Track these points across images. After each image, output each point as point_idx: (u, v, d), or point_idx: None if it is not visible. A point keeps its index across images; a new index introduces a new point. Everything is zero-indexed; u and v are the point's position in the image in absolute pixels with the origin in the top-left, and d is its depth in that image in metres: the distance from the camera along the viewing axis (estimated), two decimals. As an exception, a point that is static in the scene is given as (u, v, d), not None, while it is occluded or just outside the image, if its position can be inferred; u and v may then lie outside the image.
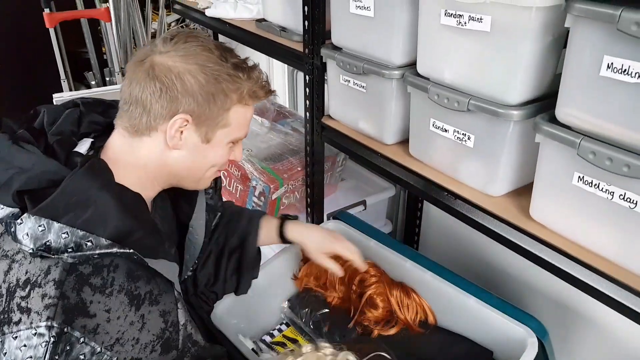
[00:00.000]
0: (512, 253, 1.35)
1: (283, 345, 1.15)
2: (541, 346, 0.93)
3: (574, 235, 0.81)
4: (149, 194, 0.83)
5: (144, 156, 0.80)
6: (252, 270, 1.07)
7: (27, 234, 0.68)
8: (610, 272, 0.75)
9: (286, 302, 1.24)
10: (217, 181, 0.99)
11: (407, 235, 1.73)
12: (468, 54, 0.87)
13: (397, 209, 1.78)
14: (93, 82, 2.25)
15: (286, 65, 2.18)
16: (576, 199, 0.77)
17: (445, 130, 0.96)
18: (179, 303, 0.80)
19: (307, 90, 1.30)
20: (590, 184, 0.75)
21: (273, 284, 1.10)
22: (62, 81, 1.96)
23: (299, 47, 1.30)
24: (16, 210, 0.70)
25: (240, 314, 1.10)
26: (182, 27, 3.00)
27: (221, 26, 1.66)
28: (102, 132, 0.84)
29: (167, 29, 2.44)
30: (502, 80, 0.84)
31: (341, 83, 1.19)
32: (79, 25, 2.26)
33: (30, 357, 0.66)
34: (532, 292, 1.32)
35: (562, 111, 0.76)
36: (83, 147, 0.81)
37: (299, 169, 1.50)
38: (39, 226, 0.67)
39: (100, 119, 0.85)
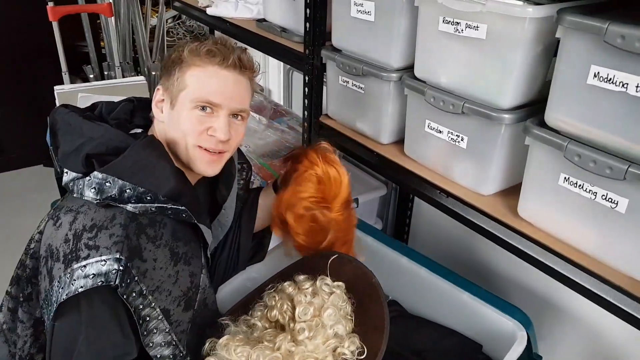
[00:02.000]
0: (496, 248, 1.41)
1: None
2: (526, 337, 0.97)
3: (558, 233, 0.86)
4: (187, 173, 0.90)
5: (158, 136, 0.90)
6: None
7: (95, 188, 0.78)
8: (591, 267, 0.80)
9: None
10: (248, 173, 1.09)
11: (397, 233, 1.78)
12: (464, 59, 0.92)
13: (387, 207, 1.83)
14: (91, 76, 2.26)
15: (282, 65, 2.21)
16: (562, 199, 0.82)
17: (440, 132, 1.01)
18: (204, 269, 0.90)
19: (306, 89, 1.34)
20: (575, 185, 0.80)
21: (267, 270, 1.13)
22: (63, 74, 1.98)
23: (299, 48, 1.34)
24: (80, 175, 0.81)
25: (234, 298, 1.13)
26: (178, 24, 3.03)
27: (222, 25, 1.69)
28: (149, 127, 0.95)
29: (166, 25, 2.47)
30: (495, 85, 0.89)
31: (340, 84, 1.23)
32: (76, 19, 2.27)
33: (102, 282, 0.74)
34: (515, 286, 1.38)
35: (551, 116, 0.81)
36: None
37: (296, 166, 1.53)
38: (106, 182, 0.78)
39: (149, 115, 0.95)
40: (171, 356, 0.83)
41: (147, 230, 0.80)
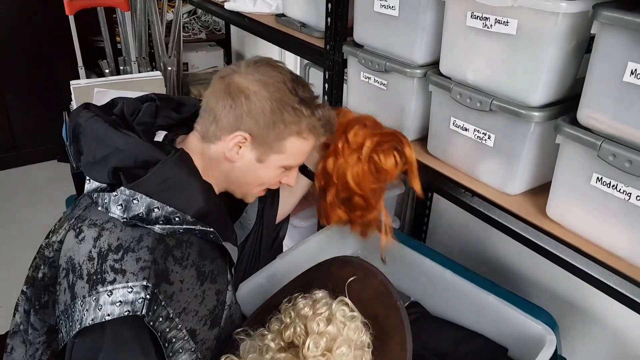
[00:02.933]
0: (514, 248, 1.39)
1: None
2: (552, 340, 0.95)
3: (589, 234, 0.84)
4: (214, 184, 0.89)
5: (209, 160, 0.88)
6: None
7: (121, 205, 0.76)
8: (624, 270, 0.78)
9: (302, 292, 1.26)
10: None
11: (414, 232, 1.76)
12: (492, 55, 0.90)
13: (405, 206, 1.81)
14: (107, 71, 2.26)
15: (299, 61, 2.20)
16: (593, 199, 0.80)
17: (466, 129, 0.99)
18: (230, 285, 0.89)
19: (326, 85, 1.32)
20: (609, 185, 0.78)
21: (293, 272, 1.13)
22: (79, 68, 1.98)
23: (320, 43, 1.32)
24: (104, 186, 0.79)
25: (260, 300, 1.12)
26: (194, 19, 3.02)
27: (240, 20, 1.68)
28: (174, 126, 0.93)
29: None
30: (525, 83, 0.87)
31: (361, 80, 1.22)
32: (92, 14, 2.28)
33: (128, 311, 0.73)
34: (535, 286, 1.36)
35: (584, 114, 0.79)
36: (159, 137, 0.90)
37: (314, 163, 1.52)
38: (134, 199, 0.76)
39: (173, 115, 0.94)
40: None
41: (174, 252, 0.78)
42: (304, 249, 1.21)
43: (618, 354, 1.21)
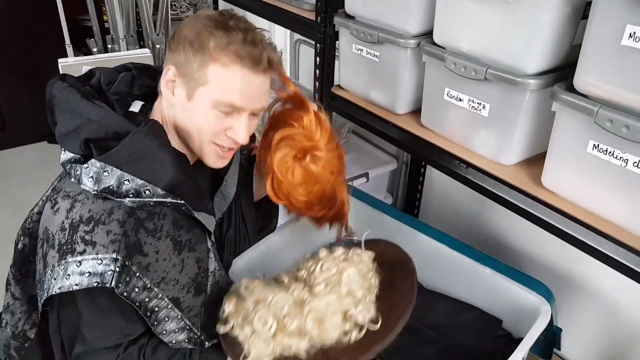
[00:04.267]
0: (509, 220, 1.38)
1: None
2: (547, 311, 0.95)
3: (585, 202, 0.83)
4: (189, 156, 0.87)
5: (164, 117, 0.86)
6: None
7: (92, 177, 0.76)
8: (619, 237, 0.77)
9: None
10: (251, 143, 0.96)
11: (407, 207, 1.76)
12: (487, 23, 0.88)
13: (397, 182, 1.80)
14: (95, 49, 2.21)
15: (288, 36, 2.16)
16: (589, 167, 0.79)
17: (460, 100, 0.98)
18: (211, 252, 0.88)
19: (318, 59, 1.30)
20: (605, 152, 0.77)
21: (289, 246, 1.12)
22: (67, 46, 1.94)
23: (310, 16, 1.29)
24: (77, 156, 0.78)
25: (256, 274, 1.12)
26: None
27: (228, -7, 1.64)
28: (151, 95, 0.90)
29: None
30: (520, 50, 0.85)
31: (353, 52, 1.19)
32: (78, -9, 2.23)
33: (97, 283, 0.74)
34: (530, 258, 1.36)
35: (581, 80, 0.77)
36: (135, 107, 0.87)
37: (306, 139, 1.50)
38: (104, 171, 0.75)
39: (150, 83, 0.91)
40: (186, 340, 0.85)
41: (145, 224, 0.77)
42: (299, 224, 1.20)
43: (613, 322, 1.22)
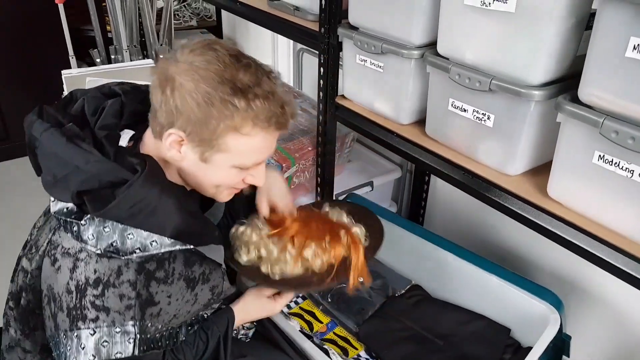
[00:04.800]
0: (514, 229, 1.38)
1: (300, 316, 1.18)
2: (555, 320, 0.95)
3: (591, 213, 0.83)
4: (186, 184, 0.84)
5: (164, 157, 0.79)
6: None
7: (93, 235, 0.71)
8: (627, 248, 0.77)
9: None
10: None
11: (412, 216, 1.76)
12: (491, 34, 0.88)
13: (402, 190, 1.81)
14: (98, 60, 2.22)
15: (291, 46, 2.17)
16: (595, 178, 0.80)
17: (464, 110, 0.98)
18: (225, 276, 0.87)
19: (322, 69, 1.30)
20: (611, 163, 0.77)
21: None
22: (70, 57, 1.95)
23: (314, 27, 1.30)
24: (70, 205, 0.73)
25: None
26: (184, 6, 2.98)
27: (231, 5, 1.65)
28: (142, 121, 0.83)
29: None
30: (524, 61, 0.85)
31: (357, 63, 1.20)
32: (81, 2, 2.24)
33: (120, 353, 0.71)
34: (536, 266, 1.36)
35: (585, 91, 0.78)
36: (124, 139, 0.81)
37: (310, 148, 1.51)
38: (105, 227, 0.71)
39: (140, 108, 0.84)
40: (191, 324, 0.87)
41: (156, 275, 0.74)
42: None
43: (621, 330, 1.21)
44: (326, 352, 1.00)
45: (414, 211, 1.74)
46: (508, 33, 0.86)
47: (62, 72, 1.67)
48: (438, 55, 1.00)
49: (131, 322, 0.71)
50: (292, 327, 1.04)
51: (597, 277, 1.22)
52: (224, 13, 2.87)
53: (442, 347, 1.07)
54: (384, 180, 1.69)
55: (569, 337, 1.04)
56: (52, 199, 0.75)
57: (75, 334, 0.72)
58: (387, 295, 1.25)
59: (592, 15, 0.79)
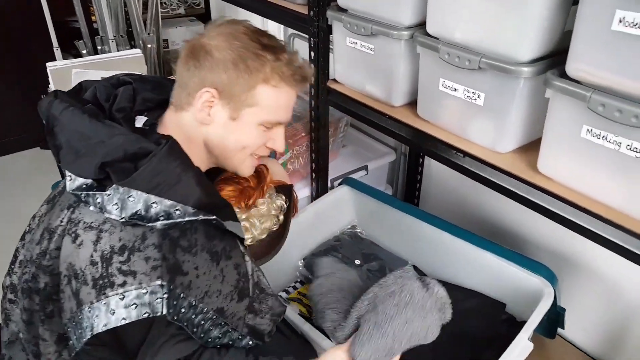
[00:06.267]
0: (508, 207, 1.40)
1: (298, 301, 1.20)
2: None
3: (580, 187, 0.85)
4: (204, 167, 0.88)
5: (187, 132, 0.84)
6: None
7: (117, 204, 0.72)
8: (615, 219, 0.79)
9: (301, 261, 1.28)
10: None
11: (407, 198, 1.77)
12: (479, 12, 0.89)
13: (397, 173, 1.82)
14: (84, 51, 2.19)
15: (282, 31, 2.16)
16: (584, 151, 0.81)
17: (455, 90, 0.99)
18: (246, 256, 0.87)
19: (312, 53, 1.30)
20: (599, 136, 0.78)
21: (290, 244, 1.13)
22: (54, 49, 1.92)
23: (303, 10, 1.30)
24: (88, 181, 0.74)
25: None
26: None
27: (219, -9, 1.64)
28: (153, 108, 0.89)
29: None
30: (513, 38, 0.86)
31: (348, 46, 1.20)
32: (65, -6, 2.21)
33: (148, 313, 0.71)
34: (530, 242, 1.38)
35: (573, 66, 0.79)
36: (139, 123, 0.86)
37: (303, 134, 1.52)
38: (129, 197, 0.72)
39: (151, 96, 0.89)
40: (230, 342, 0.84)
41: (180, 243, 0.75)
42: (301, 217, 1.21)
43: (614, 302, 1.24)
44: (326, 334, 1.01)
45: (409, 193, 1.76)
46: (496, 10, 0.86)
47: (47, 64, 1.65)
48: (428, 35, 1.00)
49: (158, 282, 0.71)
50: (292, 311, 1.05)
51: (590, 251, 1.24)
52: (212, 1, 2.84)
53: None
54: (378, 163, 1.70)
55: (564, 310, 1.06)
56: (70, 177, 0.76)
57: (103, 302, 0.72)
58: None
59: (579, -10, 0.80)
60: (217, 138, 0.85)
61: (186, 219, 0.74)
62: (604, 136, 0.78)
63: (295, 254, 1.28)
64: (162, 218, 0.73)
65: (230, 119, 0.83)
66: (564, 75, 0.81)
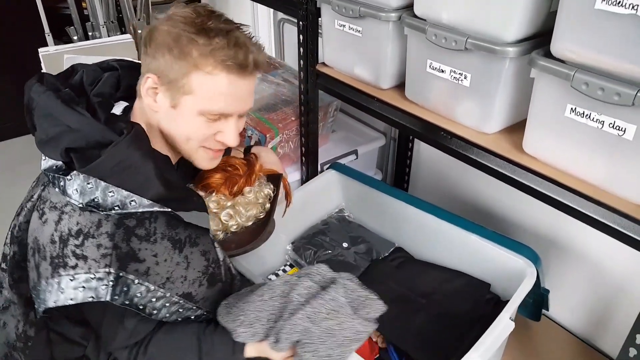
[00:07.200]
0: (496, 189, 1.41)
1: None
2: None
3: (565, 166, 0.85)
4: (172, 155, 0.88)
5: (147, 119, 0.85)
6: None
7: (77, 190, 0.74)
8: (599, 197, 0.80)
9: (290, 245, 1.28)
10: None
11: (397, 182, 1.78)
12: (466, -8, 0.89)
13: (386, 158, 1.82)
14: (75, 37, 2.18)
15: (272, 16, 2.15)
16: (568, 130, 0.82)
17: (442, 71, 0.99)
18: (215, 243, 0.88)
19: (301, 37, 1.30)
20: (582, 115, 0.79)
21: (278, 227, 1.14)
22: (46, 35, 1.91)
23: (292, -7, 1.29)
24: (59, 163, 0.77)
25: (247, 255, 1.14)
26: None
27: (208, -25, 1.62)
28: (136, 95, 0.88)
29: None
30: (498, 18, 0.86)
31: (336, 28, 1.20)
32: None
33: (92, 297, 0.75)
34: (517, 225, 1.40)
35: (557, 46, 0.79)
36: (118, 109, 0.85)
37: (293, 118, 1.52)
38: (88, 184, 0.74)
39: (135, 83, 0.87)
40: (198, 319, 0.87)
41: (136, 231, 0.76)
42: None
43: (599, 282, 1.26)
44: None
45: (398, 177, 1.77)
46: (482, -9, 0.86)
47: (39, 50, 1.64)
48: (415, 16, 1.00)
49: (105, 270, 0.74)
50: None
51: (574, 232, 1.26)
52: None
53: (425, 305, 1.10)
54: (368, 148, 1.70)
55: (547, 291, 1.08)
56: (44, 157, 0.79)
57: (56, 280, 0.76)
58: (371, 259, 1.28)
59: (564, -30, 0.80)
60: (165, 126, 0.84)
61: (140, 210, 0.75)
62: (587, 115, 0.78)
63: (284, 237, 1.29)
64: (117, 207, 0.74)
65: (172, 106, 0.81)
66: (548, 55, 0.81)
